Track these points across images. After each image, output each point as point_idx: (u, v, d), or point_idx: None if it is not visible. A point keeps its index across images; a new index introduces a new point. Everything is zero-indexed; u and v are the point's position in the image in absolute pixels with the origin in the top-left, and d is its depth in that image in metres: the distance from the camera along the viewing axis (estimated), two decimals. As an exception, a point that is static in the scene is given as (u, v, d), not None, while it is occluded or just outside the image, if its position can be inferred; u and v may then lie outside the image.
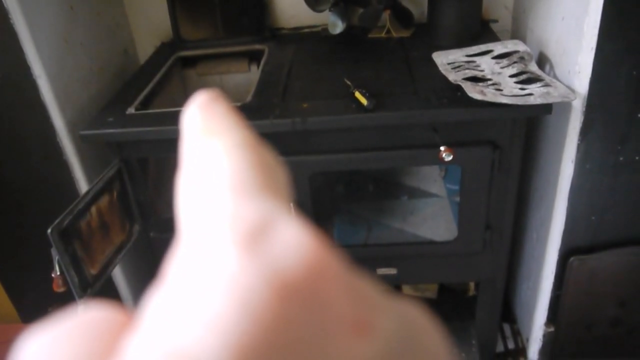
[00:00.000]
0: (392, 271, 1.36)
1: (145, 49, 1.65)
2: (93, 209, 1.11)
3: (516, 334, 1.66)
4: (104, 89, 1.41)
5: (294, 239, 0.14)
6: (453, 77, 1.13)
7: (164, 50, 1.59)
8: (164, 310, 0.14)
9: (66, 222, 1.02)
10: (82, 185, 1.31)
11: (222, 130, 0.18)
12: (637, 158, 1.15)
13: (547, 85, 1.08)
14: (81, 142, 1.24)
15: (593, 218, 1.24)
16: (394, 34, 1.49)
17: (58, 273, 1.03)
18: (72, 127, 1.25)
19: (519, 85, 1.09)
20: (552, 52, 1.22)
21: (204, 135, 0.18)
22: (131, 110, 1.22)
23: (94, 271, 1.11)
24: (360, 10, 1.41)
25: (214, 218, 0.15)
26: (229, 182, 0.16)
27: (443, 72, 1.17)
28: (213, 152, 0.17)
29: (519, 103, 1.02)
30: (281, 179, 0.18)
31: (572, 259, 1.26)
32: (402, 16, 1.51)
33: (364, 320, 0.14)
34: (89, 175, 1.31)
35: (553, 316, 1.40)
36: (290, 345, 0.13)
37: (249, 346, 0.13)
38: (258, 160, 0.17)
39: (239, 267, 0.14)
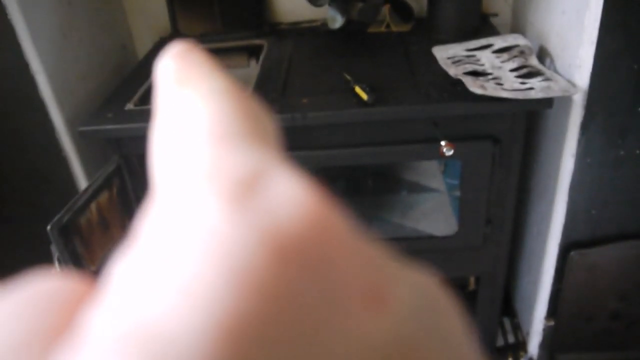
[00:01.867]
0: (393, 266, 1.36)
1: (143, 44, 1.65)
2: (93, 206, 1.11)
3: (516, 328, 1.66)
4: (102, 84, 1.41)
5: (290, 192, 0.12)
6: (453, 71, 1.12)
7: (162, 45, 1.57)
8: (132, 277, 0.11)
9: (66, 218, 1.02)
10: (82, 181, 1.30)
11: (199, 78, 0.16)
12: (637, 152, 1.15)
13: (547, 79, 1.07)
14: (80, 138, 1.23)
15: (593, 212, 1.24)
16: (394, 29, 1.48)
17: (58, 270, 1.03)
18: (71, 123, 1.25)
19: (520, 80, 1.09)
20: (553, 46, 1.22)
21: (178, 85, 0.16)
22: (130, 106, 1.21)
23: (94, 268, 1.11)
24: (360, 5, 1.40)
25: (191, 170, 0.13)
26: (208, 130, 0.14)
27: (443, 66, 1.16)
28: (189, 100, 0.15)
29: (520, 97, 1.02)
30: (269, 127, 0.15)
31: (572, 253, 1.27)
32: (402, 10, 1.50)
33: (378, 290, 0.12)
34: (89, 172, 1.31)
35: (553, 310, 1.40)
36: (289, 320, 0.10)
37: (239, 320, 0.10)
38: (240, 106, 0.15)
39: (224, 220, 0.11)
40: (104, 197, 1.15)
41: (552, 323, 1.42)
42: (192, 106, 0.14)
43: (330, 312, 0.11)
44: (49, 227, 0.97)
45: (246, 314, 0.10)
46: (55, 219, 0.99)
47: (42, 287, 0.13)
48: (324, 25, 1.53)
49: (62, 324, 0.12)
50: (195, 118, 0.14)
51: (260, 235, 0.11)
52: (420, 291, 0.13)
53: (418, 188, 1.59)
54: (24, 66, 1.16)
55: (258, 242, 0.11)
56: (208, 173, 0.12)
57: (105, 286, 0.11)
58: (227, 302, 0.10)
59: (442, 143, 1.06)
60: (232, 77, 0.17)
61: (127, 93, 1.28)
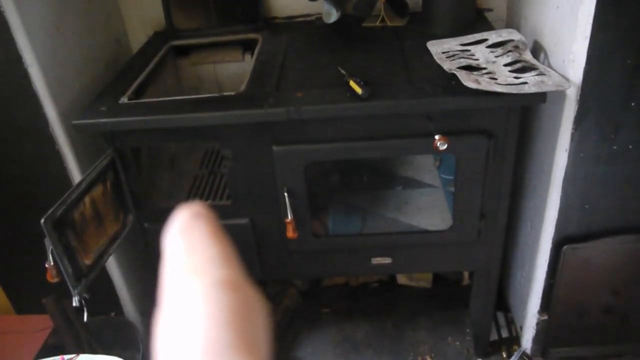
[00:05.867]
0: (387, 260, 1.37)
1: (137, 38, 1.64)
2: (86, 199, 1.11)
3: (510, 322, 1.67)
4: (96, 78, 1.40)
5: None
6: (448, 66, 1.12)
7: (156, 40, 1.57)
8: None
9: (59, 212, 1.01)
10: (76, 175, 1.30)
11: (203, 266, 0.18)
12: (630, 147, 1.15)
13: (541, 74, 1.08)
14: (74, 132, 1.23)
15: (586, 207, 1.24)
16: (389, 23, 1.48)
17: (52, 263, 1.03)
18: (65, 117, 1.24)
19: (514, 74, 1.09)
20: (547, 41, 1.22)
21: (184, 273, 0.18)
22: (124, 99, 1.21)
23: (88, 261, 1.11)
24: (355, -1, 1.40)
25: None
26: (203, 342, 0.16)
27: (438, 61, 1.16)
28: (191, 298, 0.17)
29: (514, 92, 1.02)
30: (259, 326, 0.18)
31: (565, 247, 1.27)
32: (397, 5, 1.50)
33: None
34: (82, 165, 1.30)
35: (547, 304, 1.41)
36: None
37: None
38: (237, 306, 0.18)
39: None
40: (97, 190, 1.15)
41: (545, 317, 1.43)
42: (195, 308, 0.17)
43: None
44: (42, 221, 0.97)
45: None
46: (49, 212, 0.99)
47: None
48: (318, 20, 1.53)
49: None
50: (196, 326, 0.17)
51: None
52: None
53: (413, 183, 1.60)
54: (18, 60, 1.15)
55: None
56: None
57: None
58: None
59: (437, 137, 1.06)
60: (233, 256, 0.20)
61: (121, 87, 1.27)
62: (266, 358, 0.18)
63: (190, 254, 0.19)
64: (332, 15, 1.45)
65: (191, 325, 0.17)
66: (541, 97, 1.05)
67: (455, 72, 1.08)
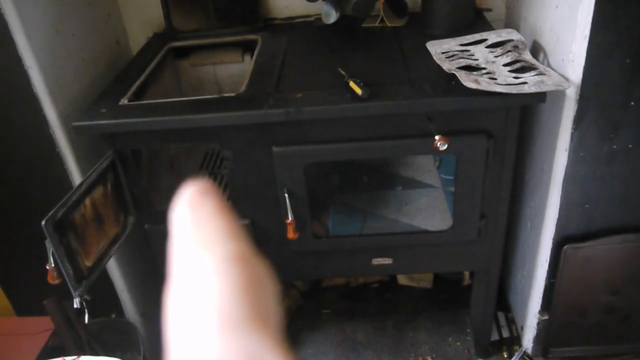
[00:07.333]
0: (388, 261, 1.37)
1: (137, 40, 1.64)
2: (87, 201, 1.11)
3: (511, 322, 1.67)
4: (96, 80, 1.40)
5: None
6: (447, 66, 1.13)
7: (156, 41, 1.57)
8: None
9: (60, 213, 1.01)
10: (76, 177, 1.30)
11: (212, 240, 0.18)
12: (630, 146, 1.15)
13: (541, 73, 1.08)
14: (74, 134, 1.23)
15: (587, 206, 1.24)
16: (388, 23, 1.48)
17: (52, 265, 1.03)
18: (65, 119, 1.24)
19: (513, 74, 1.09)
20: (546, 41, 1.22)
21: (193, 246, 0.18)
22: (124, 101, 1.21)
23: (88, 263, 1.11)
24: (354, 0, 1.40)
25: (202, 354, 0.16)
26: (217, 315, 0.16)
27: (437, 61, 1.16)
28: (202, 271, 0.17)
29: (513, 92, 1.02)
30: (270, 300, 0.18)
31: (566, 247, 1.27)
32: (396, 5, 1.50)
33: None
34: (83, 167, 1.30)
35: (547, 304, 1.41)
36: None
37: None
38: (248, 279, 0.17)
39: None
40: (98, 192, 1.15)
41: (546, 317, 1.43)
42: (207, 281, 0.17)
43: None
44: (43, 222, 0.97)
45: None
46: (50, 214, 0.99)
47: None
48: (318, 21, 1.53)
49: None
50: (208, 298, 0.17)
51: None
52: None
53: (413, 184, 1.60)
54: (17, 61, 1.15)
55: None
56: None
57: None
58: None
59: (437, 137, 1.06)
60: (242, 231, 0.20)
61: (121, 88, 1.27)
62: (278, 331, 0.17)
63: (199, 228, 0.19)
64: (332, 16, 1.45)
65: (203, 298, 0.17)
66: (541, 96, 1.06)
67: (455, 72, 1.08)
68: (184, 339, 0.16)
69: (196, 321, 0.16)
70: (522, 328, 1.57)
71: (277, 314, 0.18)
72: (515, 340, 1.61)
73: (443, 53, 1.21)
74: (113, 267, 1.47)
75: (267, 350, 0.16)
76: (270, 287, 0.18)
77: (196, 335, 0.16)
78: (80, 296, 1.06)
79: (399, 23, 1.49)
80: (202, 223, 0.19)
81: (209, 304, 0.16)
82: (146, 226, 1.31)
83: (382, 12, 1.49)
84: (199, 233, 0.19)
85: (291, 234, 1.24)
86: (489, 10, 1.51)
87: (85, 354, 1.21)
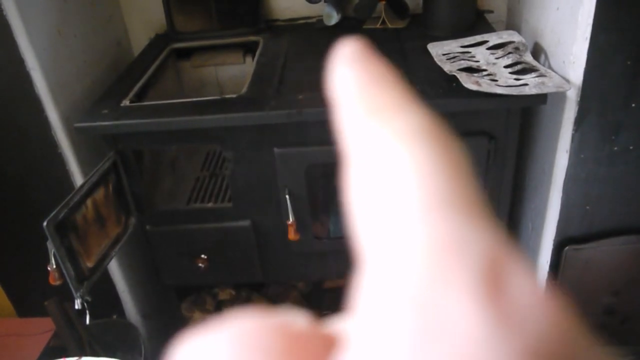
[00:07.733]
0: (388, 262, 1.37)
1: (139, 41, 1.65)
2: (89, 202, 1.11)
3: (511, 323, 1.67)
4: (98, 81, 1.41)
5: (533, 294, 0.11)
6: (448, 67, 1.13)
7: (158, 42, 1.58)
8: None
9: (62, 214, 1.02)
10: (78, 178, 1.30)
11: (389, 107, 0.14)
12: (631, 148, 1.15)
13: (541, 75, 1.08)
14: (76, 135, 1.23)
15: (588, 208, 1.24)
16: (389, 25, 1.49)
17: (54, 266, 1.03)
18: (67, 120, 1.25)
19: (514, 76, 1.09)
20: (547, 43, 1.22)
21: (367, 116, 0.14)
22: (126, 102, 1.21)
23: (90, 264, 1.11)
24: (356, 1, 1.40)
25: (413, 252, 0.12)
26: (420, 199, 0.12)
27: (438, 62, 1.17)
28: (389, 145, 0.13)
29: (514, 93, 1.02)
30: (472, 183, 0.14)
31: (566, 248, 1.27)
32: (397, 7, 1.51)
33: None
34: (84, 168, 1.31)
35: (548, 305, 1.40)
36: None
37: None
38: (445, 157, 0.13)
39: (481, 329, 0.10)
40: (99, 193, 1.15)
41: (546, 318, 1.43)
42: (395, 156, 0.13)
43: None
44: (45, 224, 0.97)
45: None
46: (51, 215, 0.99)
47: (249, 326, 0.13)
48: (319, 22, 1.53)
49: None
50: (402, 177, 0.13)
51: (518, 352, 0.10)
52: None
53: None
54: (20, 63, 1.16)
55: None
56: (436, 259, 0.11)
57: None
58: None
59: (437, 139, 1.06)
60: (419, 100, 0.14)
61: (122, 89, 1.28)
62: (488, 213, 0.13)
63: (369, 91, 0.15)
64: (333, 18, 1.45)
65: (395, 177, 0.13)
66: (542, 98, 1.06)
67: (456, 74, 1.08)
68: (378, 228, 0.13)
69: (391, 205, 0.13)
70: (523, 329, 1.57)
71: (483, 198, 0.14)
72: (516, 341, 1.61)
73: (444, 55, 1.21)
74: (114, 268, 1.47)
75: (499, 249, 0.12)
76: (469, 167, 0.14)
77: (393, 222, 0.12)
78: (82, 297, 1.07)
79: (400, 24, 1.49)
80: (371, 86, 0.15)
81: (404, 183, 0.13)
82: (148, 227, 1.31)
83: (383, 14, 1.49)
84: (370, 98, 0.15)
85: (292, 235, 1.24)
86: (491, 11, 1.51)
87: (86, 354, 1.21)
